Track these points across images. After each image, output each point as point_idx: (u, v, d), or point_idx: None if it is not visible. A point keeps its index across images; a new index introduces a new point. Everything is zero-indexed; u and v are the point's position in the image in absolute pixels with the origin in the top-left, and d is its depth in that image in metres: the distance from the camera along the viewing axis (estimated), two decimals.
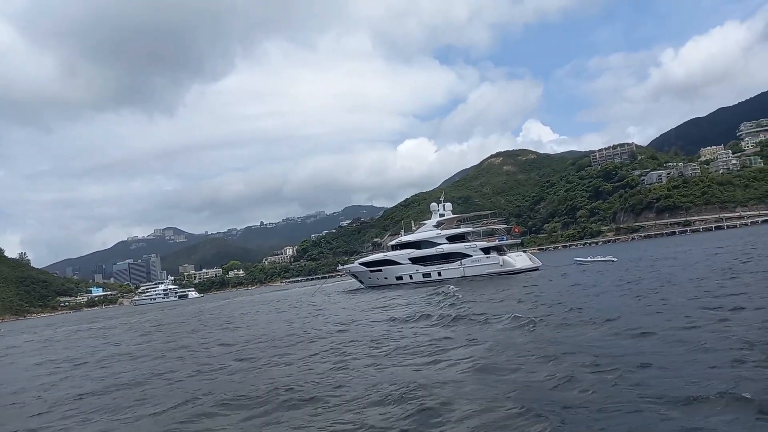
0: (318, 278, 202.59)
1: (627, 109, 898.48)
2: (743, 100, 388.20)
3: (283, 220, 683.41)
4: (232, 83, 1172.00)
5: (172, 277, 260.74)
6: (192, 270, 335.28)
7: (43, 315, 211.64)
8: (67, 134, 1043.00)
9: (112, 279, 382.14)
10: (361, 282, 64.99)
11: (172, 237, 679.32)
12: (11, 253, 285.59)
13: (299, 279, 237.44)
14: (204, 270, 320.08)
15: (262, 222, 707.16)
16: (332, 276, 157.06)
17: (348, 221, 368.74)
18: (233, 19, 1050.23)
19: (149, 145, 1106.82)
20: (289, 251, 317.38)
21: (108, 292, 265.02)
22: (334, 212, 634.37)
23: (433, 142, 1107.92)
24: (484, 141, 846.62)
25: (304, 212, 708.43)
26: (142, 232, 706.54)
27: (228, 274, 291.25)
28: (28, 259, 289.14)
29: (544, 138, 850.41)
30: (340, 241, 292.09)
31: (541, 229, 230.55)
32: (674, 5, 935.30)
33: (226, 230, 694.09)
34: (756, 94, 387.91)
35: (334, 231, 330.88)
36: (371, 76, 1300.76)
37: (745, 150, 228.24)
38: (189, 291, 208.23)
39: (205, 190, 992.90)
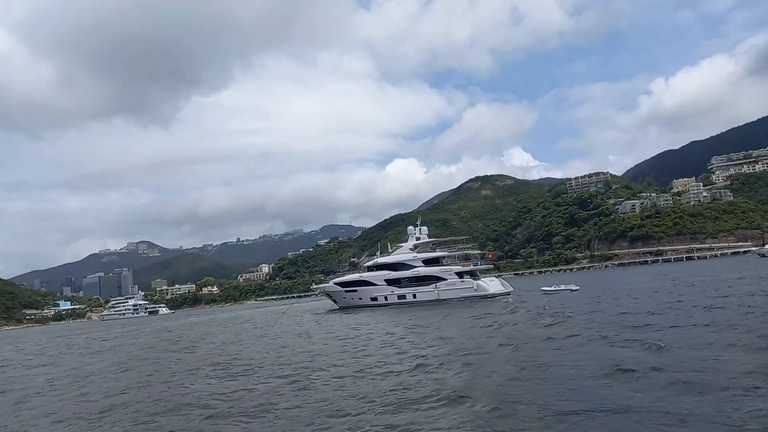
0: (293, 297, 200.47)
1: (610, 137, 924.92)
2: (715, 134, 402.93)
3: (260, 237, 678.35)
4: (229, 97, 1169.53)
5: (143, 293, 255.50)
6: (164, 285, 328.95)
7: (7, 328, 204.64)
8: (57, 143, 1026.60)
9: (81, 292, 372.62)
10: (335, 302, 64.60)
11: (146, 251, 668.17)
12: None
13: (274, 297, 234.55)
14: (177, 286, 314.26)
15: (238, 238, 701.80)
16: (308, 295, 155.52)
17: (326, 240, 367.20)
18: (234, 33, 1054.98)
19: (137, 158, 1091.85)
20: (265, 269, 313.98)
21: (76, 306, 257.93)
22: (312, 231, 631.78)
23: (423, 163, 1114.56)
24: (476, 164, 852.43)
25: (287, 229, 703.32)
26: (117, 245, 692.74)
27: (201, 290, 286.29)
28: None
29: (528, 163, 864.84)
30: (317, 260, 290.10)
31: (517, 254, 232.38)
32: (665, 42, 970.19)
33: (201, 246, 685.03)
34: (727, 129, 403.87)
35: (311, 250, 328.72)
36: (365, 96, 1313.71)
37: (715, 183, 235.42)
38: (160, 307, 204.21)
39: (187, 204, 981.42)
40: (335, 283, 65.27)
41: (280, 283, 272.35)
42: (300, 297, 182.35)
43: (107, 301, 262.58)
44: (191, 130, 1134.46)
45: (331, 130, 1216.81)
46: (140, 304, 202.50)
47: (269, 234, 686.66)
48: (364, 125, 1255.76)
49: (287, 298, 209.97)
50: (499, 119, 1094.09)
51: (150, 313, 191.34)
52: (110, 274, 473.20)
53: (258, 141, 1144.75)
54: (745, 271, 55.53)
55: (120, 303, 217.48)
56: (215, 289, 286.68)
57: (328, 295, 66.26)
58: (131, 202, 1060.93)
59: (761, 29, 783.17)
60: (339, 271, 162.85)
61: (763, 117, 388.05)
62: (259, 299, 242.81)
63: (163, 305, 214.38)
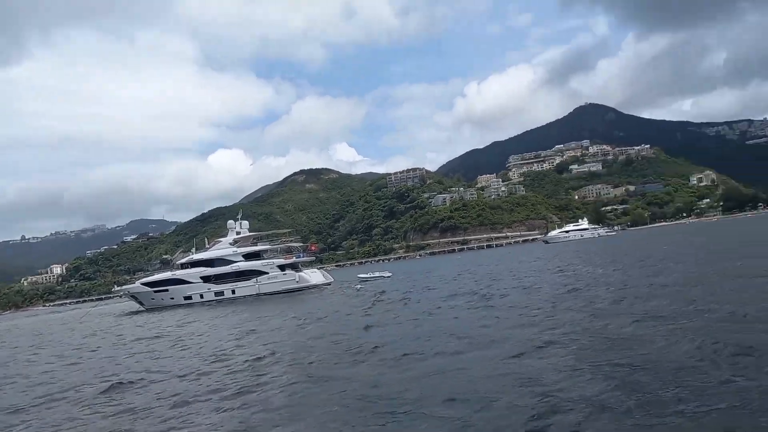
0: (91, 300, 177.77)
1: (429, 135, 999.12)
2: (513, 135, 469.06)
3: (51, 234, 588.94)
4: (23, 73, 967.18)
5: None
6: None
7: None
8: None
9: None
10: (141, 304, 57.52)
11: None
12: None
13: (68, 301, 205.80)
14: None
15: (23, 236, 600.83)
16: (110, 297, 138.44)
17: (134, 236, 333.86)
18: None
19: None
20: (57, 270, 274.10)
21: None
22: (118, 226, 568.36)
23: (250, 155, 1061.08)
24: (305, 157, 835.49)
25: (87, 225, 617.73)
26: None
27: None
28: None
29: (354, 158, 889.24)
30: (123, 258, 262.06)
31: (340, 246, 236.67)
32: (478, 49, 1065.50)
33: None
34: (522, 131, 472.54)
35: (115, 247, 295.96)
36: (187, 81, 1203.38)
37: (512, 179, 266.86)
38: None
39: None
40: (142, 283, 58.28)
41: (76, 285, 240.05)
42: (100, 300, 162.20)
43: None
44: None
45: (147, 115, 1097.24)
46: None
47: (64, 231, 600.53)
48: (185, 112, 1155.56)
49: (84, 301, 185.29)
50: (328, 113, 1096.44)
51: None
52: None
53: (58, 125, 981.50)
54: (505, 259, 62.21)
55: None
56: None
57: (134, 296, 58.74)
58: None
59: (555, 44, 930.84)
60: (148, 270, 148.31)
61: (550, 122, 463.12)
62: (48, 304, 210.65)
63: None
